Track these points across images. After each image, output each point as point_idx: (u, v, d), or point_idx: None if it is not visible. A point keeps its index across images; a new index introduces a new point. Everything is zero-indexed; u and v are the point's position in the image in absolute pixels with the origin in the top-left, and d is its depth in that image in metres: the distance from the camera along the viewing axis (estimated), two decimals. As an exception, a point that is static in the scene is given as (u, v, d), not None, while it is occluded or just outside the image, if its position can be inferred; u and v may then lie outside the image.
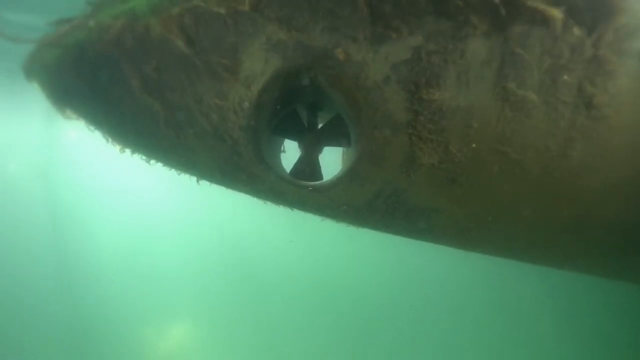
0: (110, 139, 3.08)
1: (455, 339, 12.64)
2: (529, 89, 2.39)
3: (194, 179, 3.29)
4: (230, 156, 2.91)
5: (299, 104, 3.16)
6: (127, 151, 3.13)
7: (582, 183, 2.58)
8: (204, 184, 3.27)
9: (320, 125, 3.28)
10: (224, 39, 2.60)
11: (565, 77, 2.34)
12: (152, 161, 3.16)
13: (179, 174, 3.23)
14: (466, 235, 3.08)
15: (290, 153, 3.43)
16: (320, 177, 3.21)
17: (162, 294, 16.08)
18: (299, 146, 3.28)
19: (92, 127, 3.06)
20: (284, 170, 3.13)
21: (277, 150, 3.43)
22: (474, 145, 2.57)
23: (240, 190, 3.24)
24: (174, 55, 2.66)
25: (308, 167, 3.22)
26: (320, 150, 3.27)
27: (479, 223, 2.94)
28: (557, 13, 2.17)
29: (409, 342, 13.32)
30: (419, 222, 3.02)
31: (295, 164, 3.22)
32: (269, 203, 3.41)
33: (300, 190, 3.04)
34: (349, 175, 2.88)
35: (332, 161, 3.52)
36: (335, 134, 3.20)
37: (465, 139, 2.56)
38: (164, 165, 3.19)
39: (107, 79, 2.78)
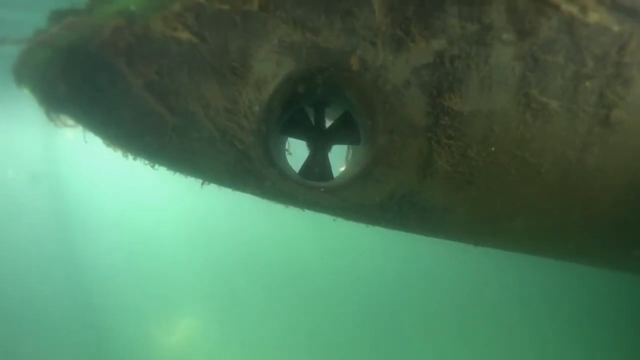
0: (110, 145, 2.91)
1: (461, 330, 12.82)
2: (550, 96, 2.37)
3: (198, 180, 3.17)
4: (239, 160, 2.81)
5: (307, 102, 3.04)
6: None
7: (596, 186, 2.63)
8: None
9: (328, 123, 3.19)
10: (232, 40, 2.44)
11: (587, 83, 2.33)
12: (156, 166, 3.02)
13: (185, 177, 3.11)
14: (479, 232, 3.12)
15: (295, 153, 3.34)
16: (331, 176, 3.14)
17: (167, 290, 15.94)
18: (307, 145, 3.20)
19: (89, 135, 2.87)
20: (294, 172, 3.05)
21: (284, 150, 3.33)
22: (492, 149, 2.56)
23: (248, 193, 3.15)
24: (177, 57, 2.49)
25: (317, 166, 3.15)
26: (329, 149, 3.20)
27: (492, 222, 2.98)
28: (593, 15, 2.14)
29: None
30: (432, 220, 3.03)
31: (305, 163, 3.14)
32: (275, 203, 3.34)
33: (311, 192, 2.98)
34: (363, 177, 2.83)
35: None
36: (344, 132, 3.12)
37: (484, 144, 2.54)
38: (168, 169, 3.06)
39: (105, 83, 2.59)
